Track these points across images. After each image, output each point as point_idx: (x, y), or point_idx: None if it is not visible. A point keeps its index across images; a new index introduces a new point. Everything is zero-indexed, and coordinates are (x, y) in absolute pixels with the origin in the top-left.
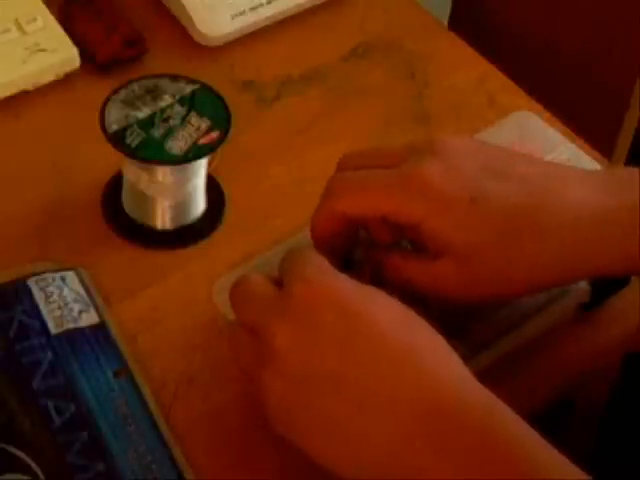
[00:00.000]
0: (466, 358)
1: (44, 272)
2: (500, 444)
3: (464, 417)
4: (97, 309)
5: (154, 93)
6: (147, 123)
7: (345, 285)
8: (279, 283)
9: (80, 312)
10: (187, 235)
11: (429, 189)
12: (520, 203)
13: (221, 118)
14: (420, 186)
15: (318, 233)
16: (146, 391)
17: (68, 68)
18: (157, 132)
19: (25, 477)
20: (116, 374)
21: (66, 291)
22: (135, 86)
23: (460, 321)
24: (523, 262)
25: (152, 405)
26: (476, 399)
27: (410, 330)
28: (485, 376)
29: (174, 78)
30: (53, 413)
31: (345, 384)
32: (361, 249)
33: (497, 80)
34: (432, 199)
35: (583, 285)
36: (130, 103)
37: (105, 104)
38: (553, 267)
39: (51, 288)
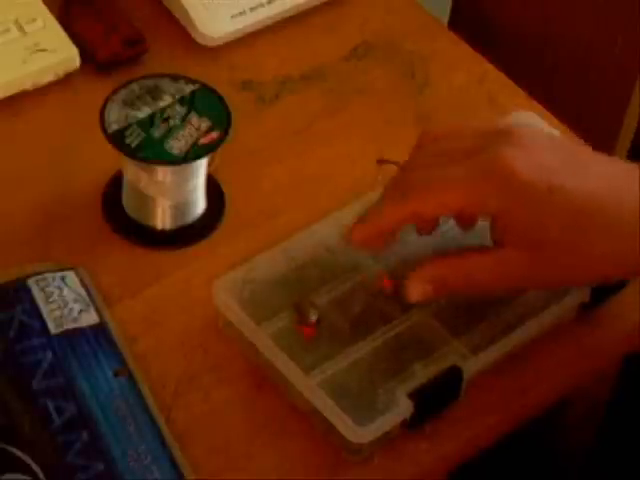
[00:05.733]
0: (466, 358)
1: (44, 272)
2: None
3: None
4: (97, 309)
5: (154, 93)
6: (147, 123)
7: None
8: None
9: (80, 312)
10: (187, 235)
11: (511, 177)
12: (596, 200)
13: (221, 118)
14: (502, 174)
15: (381, 230)
16: (146, 391)
17: (68, 68)
18: (157, 132)
19: (25, 477)
20: (116, 373)
21: (66, 291)
22: (135, 86)
23: (461, 321)
24: (591, 256)
25: (152, 405)
26: None
27: None
28: (486, 375)
29: (174, 78)
30: (53, 413)
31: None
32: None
33: (497, 80)
34: (514, 188)
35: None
36: (130, 103)
37: (105, 104)
38: (618, 262)
39: (51, 288)
